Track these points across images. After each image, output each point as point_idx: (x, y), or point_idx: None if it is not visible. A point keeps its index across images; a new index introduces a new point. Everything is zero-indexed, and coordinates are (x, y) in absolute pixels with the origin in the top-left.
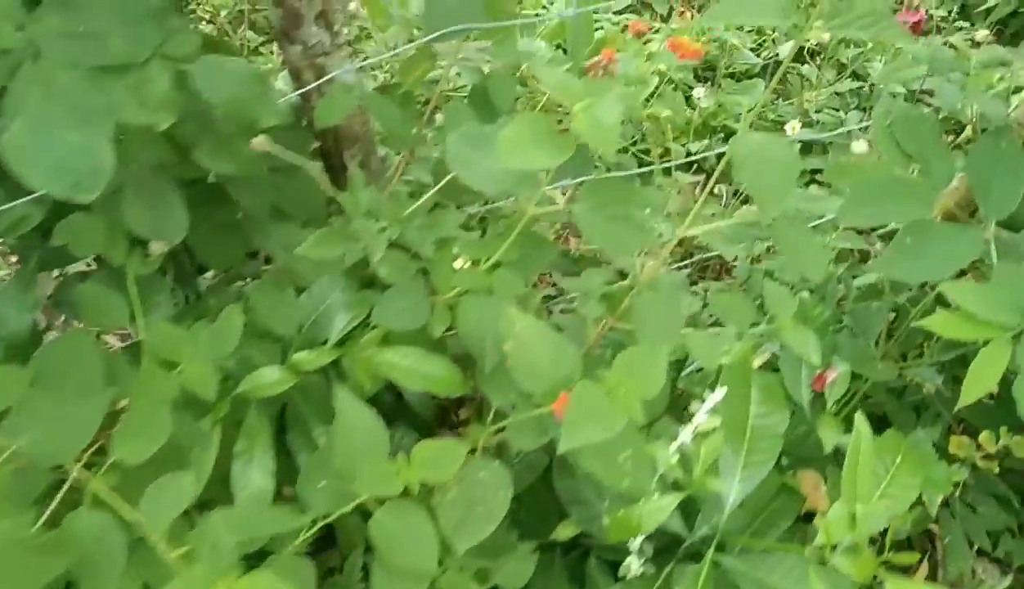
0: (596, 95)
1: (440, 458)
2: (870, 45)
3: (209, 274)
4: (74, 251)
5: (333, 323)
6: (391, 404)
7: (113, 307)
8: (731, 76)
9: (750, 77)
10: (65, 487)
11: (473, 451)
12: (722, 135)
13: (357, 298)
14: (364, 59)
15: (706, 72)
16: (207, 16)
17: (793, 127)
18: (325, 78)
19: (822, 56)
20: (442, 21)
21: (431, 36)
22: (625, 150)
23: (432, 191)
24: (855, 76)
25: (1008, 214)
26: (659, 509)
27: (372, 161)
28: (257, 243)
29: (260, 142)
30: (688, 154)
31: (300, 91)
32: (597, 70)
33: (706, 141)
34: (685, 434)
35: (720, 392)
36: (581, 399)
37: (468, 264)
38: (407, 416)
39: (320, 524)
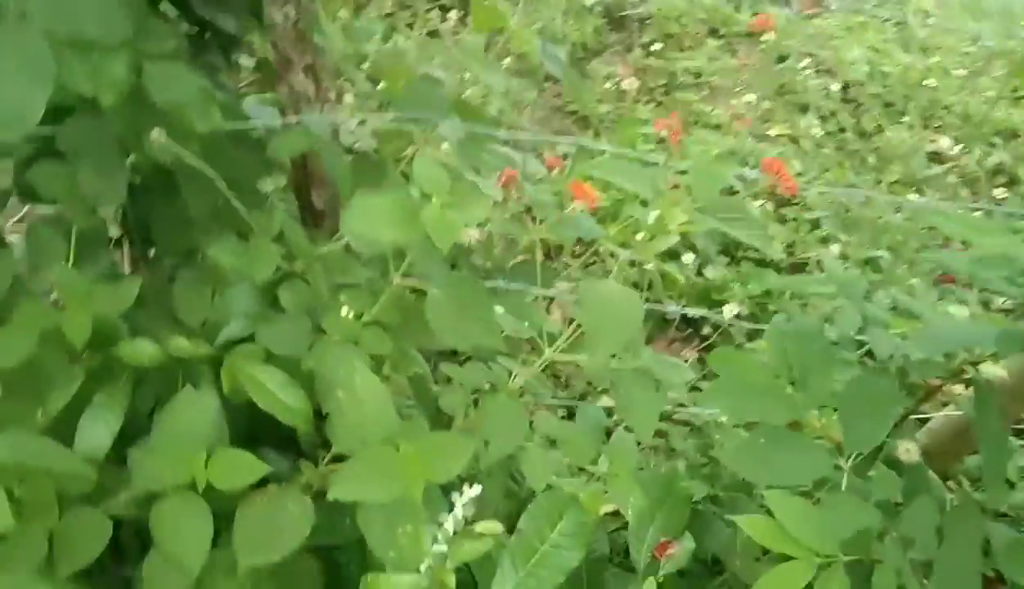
0: (458, 197)
1: (237, 469)
2: None
3: None
4: (41, 192)
5: (229, 327)
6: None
7: (52, 248)
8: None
9: None
10: None
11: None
12: None
13: (258, 313)
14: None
15: None
16: None
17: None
18: (292, 120)
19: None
20: (409, 106)
21: (394, 117)
22: None
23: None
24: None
25: (869, 449)
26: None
27: (338, 204)
28: (198, 241)
29: (157, 134)
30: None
31: (273, 123)
32: (506, 183)
33: None
34: (448, 523)
35: (476, 489)
36: (373, 458)
37: (351, 314)
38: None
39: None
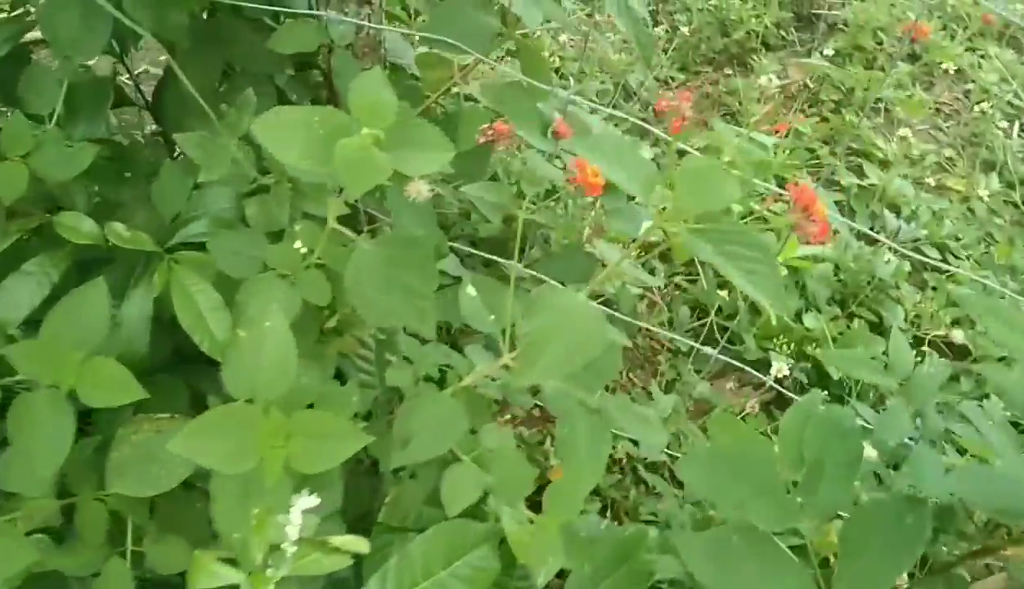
0: (405, 136)
1: (109, 385)
2: None
3: None
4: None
5: (188, 227)
6: None
7: (43, 90)
8: None
9: None
10: None
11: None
12: None
13: (228, 220)
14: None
15: None
16: None
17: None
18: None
19: None
20: (443, 30)
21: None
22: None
23: None
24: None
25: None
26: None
27: None
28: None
29: None
30: None
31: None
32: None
33: None
34: (291, 528)
35: (312, 499)
36: (232, 417)
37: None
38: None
39: None
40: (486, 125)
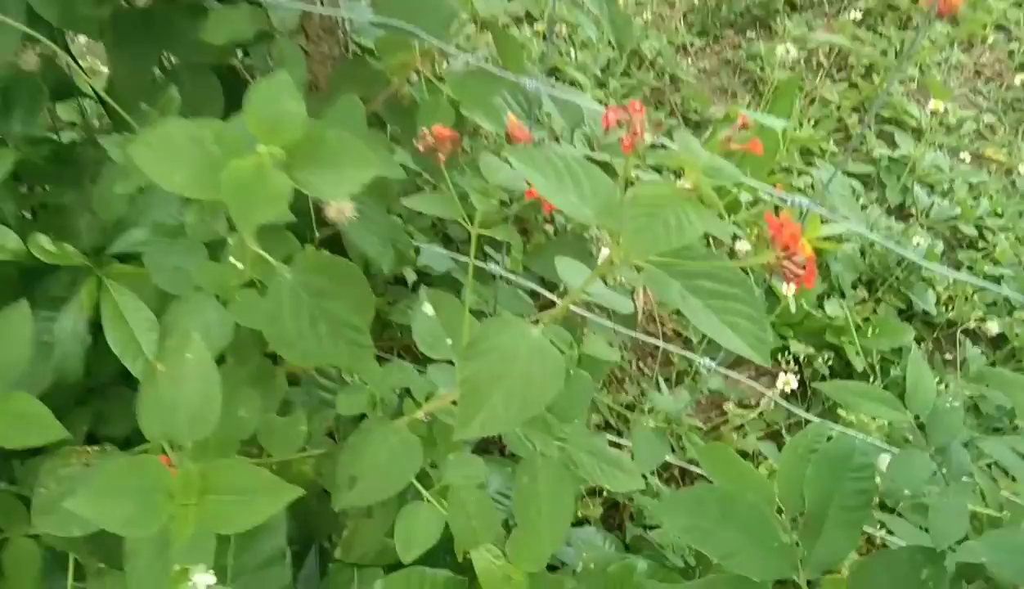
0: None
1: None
2: None
3: None
4: None
5: (126, 235)
6: None
7: None
8: None
9: None
10: None
11: None
12: None
13: (167, 227)
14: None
15: None
16: None
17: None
18: None
19: None
20: (397, 11)
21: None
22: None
23: None
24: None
25: None
26: None
27: None
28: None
29: None
30: None
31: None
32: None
33: None
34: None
35: (207, 576)
36: (136, 469)
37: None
38: None
39: None
40: (424, 130)
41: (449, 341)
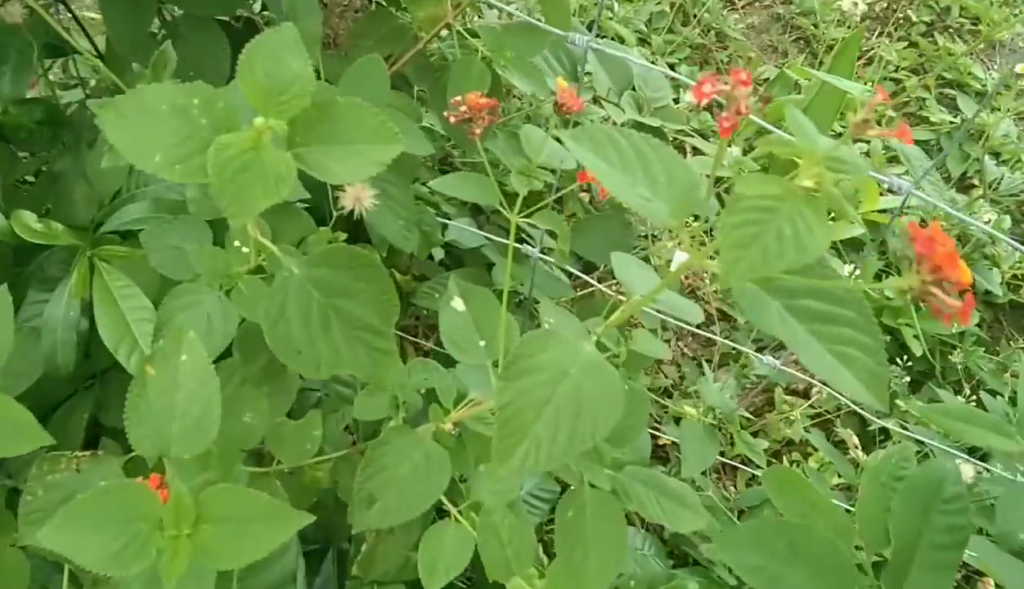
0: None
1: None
2: None
3: None
4: None
5: (122, 211)
6: None
7: None
8: None
9: None
10: None
11: None
12: None
13: (169, 202)
14: None
15: None
16: None
17: None
18: None
19: None
20: None
21: None
22: None
23: None
24: None
25: None
26: None
27: None
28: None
29: None
30: None
31: None
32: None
33: None
34: None
35: None
36: (115, 500)
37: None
38: None
39: None
40: (457, 98)
41: (483, 342)
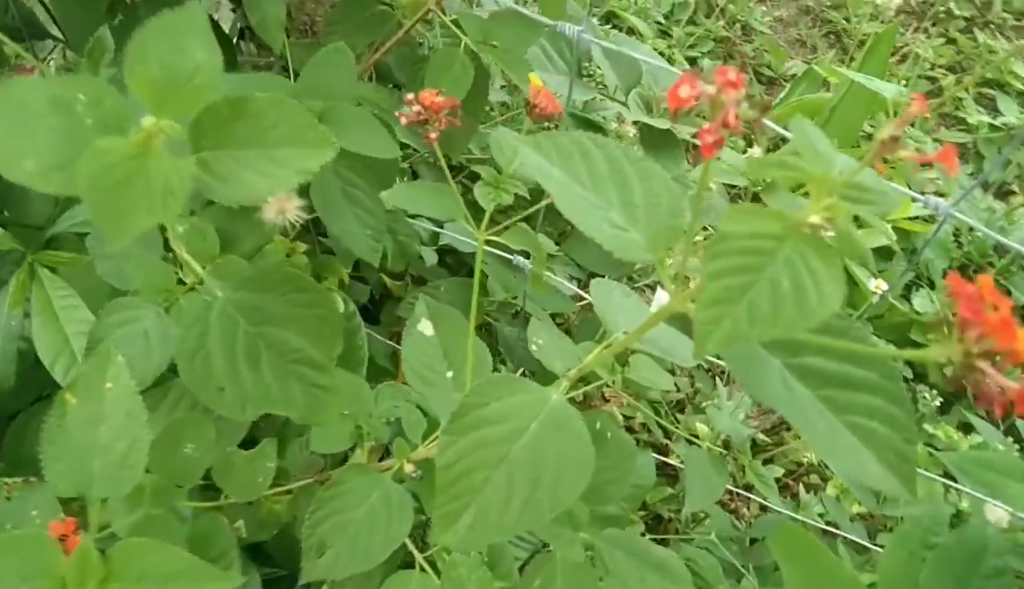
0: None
1: None
2: None
3: None
4: None
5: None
6: None
7: None
8: None
9: None
10: None
11: None
12: None
13: None
14: None
15: None
16: None
17: None
18: None
19: None
20: None
21: None
22: None
23: None
24: None
25: None
26: None
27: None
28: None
29: None
30: None
31: None
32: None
33: None
34: None
35: None
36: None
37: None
38: None
39: None
40: (410, 96)
41: (450, 373)
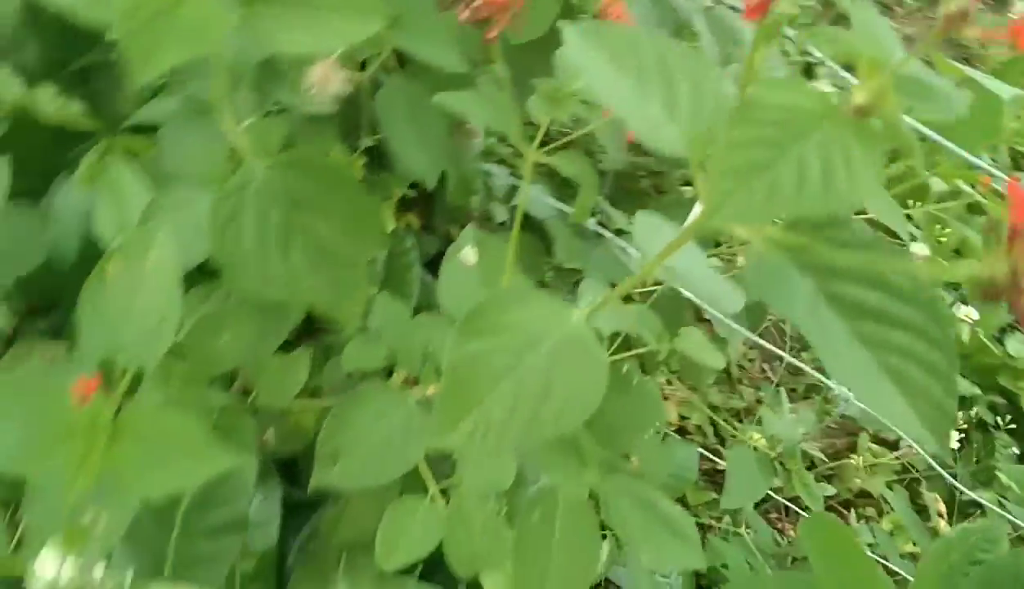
0: None
1: None
2: None
3: None
4: None
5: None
6: None
7: None
8: None
9: None
10: None
11: None
12: None
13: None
14: None
15: None
16: None
17: None
18: None
19: None
20: None
21: None
22: None
23: None
24: None
25: None
26: None
27: None
28: None
29: None
30: None
31: None
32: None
33: None
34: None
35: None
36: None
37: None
38: None
39: None
40: None
41: None
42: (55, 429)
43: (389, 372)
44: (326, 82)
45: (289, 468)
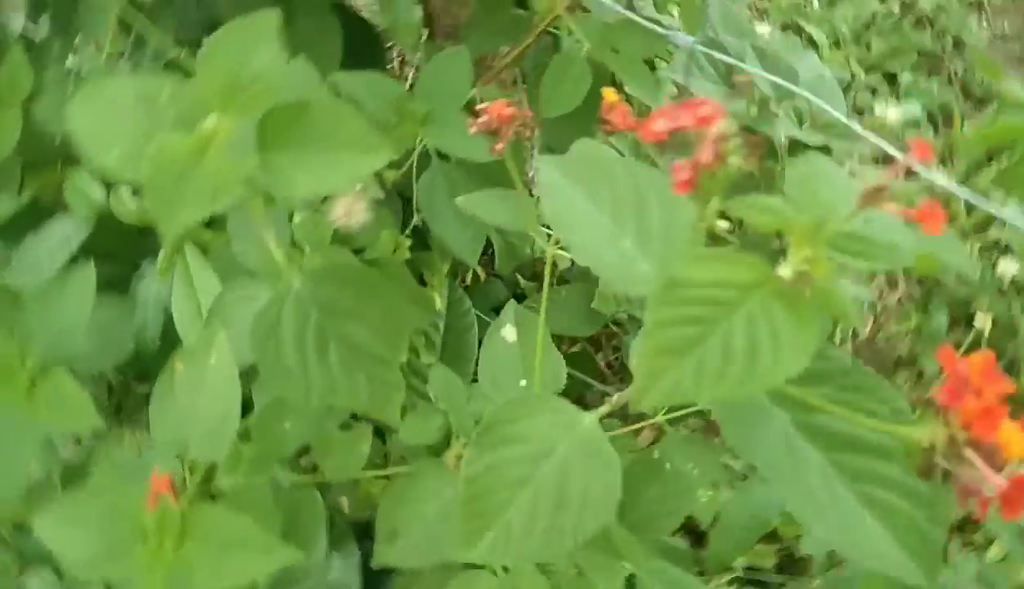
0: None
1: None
2: None
3: None
4: None
5: None
6: None
7: None
8: None
9: None
10: None
11: None
12: None
13: None
14: None
15: None
16: None
17: None
18: None
19: None
20: None
21: None
22: None
23: None
24: None
25: None
26: None
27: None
28: None
29: None
30: None
31: None
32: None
33: None
34: None
35: None
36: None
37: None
38: None
39: None
40: (483, 104)
41: (524, 382)
42: (128, 532)
43: (448, 438)
44: (349, 215)
45: (368, 530)
